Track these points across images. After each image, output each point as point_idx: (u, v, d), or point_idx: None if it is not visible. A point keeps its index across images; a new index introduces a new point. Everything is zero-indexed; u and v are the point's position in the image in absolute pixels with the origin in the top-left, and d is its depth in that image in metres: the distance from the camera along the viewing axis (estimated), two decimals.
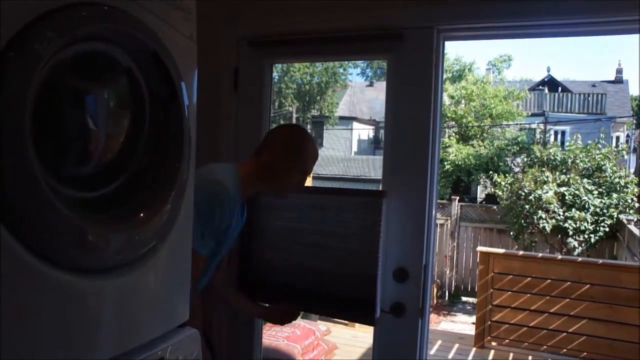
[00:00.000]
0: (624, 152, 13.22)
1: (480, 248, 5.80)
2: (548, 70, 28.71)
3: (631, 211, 9.89)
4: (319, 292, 2.44)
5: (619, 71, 26.89)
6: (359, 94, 28.10)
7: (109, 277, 1.17)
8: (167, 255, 1.38)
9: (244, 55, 2.56)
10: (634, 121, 26.32)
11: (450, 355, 5.01)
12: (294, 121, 22.84)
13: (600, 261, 6.23)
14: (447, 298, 10.99)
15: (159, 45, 1.27)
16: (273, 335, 4.02)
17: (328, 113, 25.30)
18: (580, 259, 6.02)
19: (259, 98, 2.57)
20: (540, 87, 25.12)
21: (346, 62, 27.34)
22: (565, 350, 4.94)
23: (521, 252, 6.79)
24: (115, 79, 1.26)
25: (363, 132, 24.94)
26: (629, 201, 9.88)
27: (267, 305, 2.48)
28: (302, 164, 2.02)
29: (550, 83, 25.68)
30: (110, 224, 1.18)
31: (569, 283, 4.92)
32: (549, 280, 4.98)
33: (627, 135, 22.81)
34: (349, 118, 24.40)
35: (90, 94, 1.20)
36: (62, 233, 1.01)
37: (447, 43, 2.31)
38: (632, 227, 8.87)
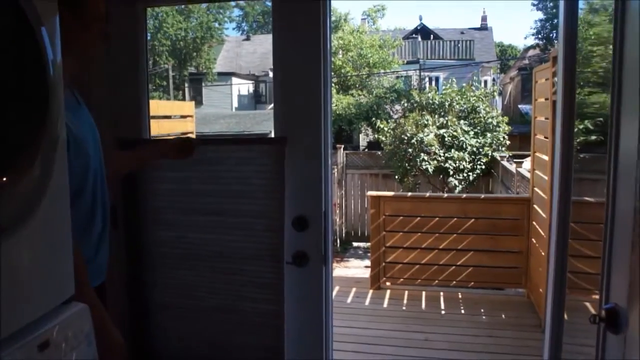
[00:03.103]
0: (495, 94, 13.99)
1: (370, 192, 5.90)
2: (420, 19, 29.75)
3: (503, 148, 10.52)
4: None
5: (484, 19, 28.33)
6: (237, 49, 27.57)
7: None
8: (41, 224, 1.21)
9: None
10: (499, 66, 27.97)
11: (349, 299, 5.11)
12: (170, 81, 22.04)
13: (483, 196, 6.61)
14: (338, 245, 11.23)
15: None
16: None
17: (206, 70, 24.60)
18: (464, 195, 6.33)
19: (133, 50, 2.33)
20: (414, 35, 25.91)
21: (221, 16, 26.64)
22: (454, 282, 5.19)
23: (410, 194, 7.02)
24: None
25: (243, 87, 24.55)
26: (501, 139, 10.50)
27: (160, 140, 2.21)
28: (92, 10, 1.68)
29: (423, 31, 26.55)
30: None
31: (455, 219, 5.14)
32: (437, 218, 5.17)
33: (494, 79, 24.17)
34: (228, 73, 23.85)
35: None
36: None
37: None
38: (505, 163, 9.45)
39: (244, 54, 27.05)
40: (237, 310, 2.31)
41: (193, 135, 7.65)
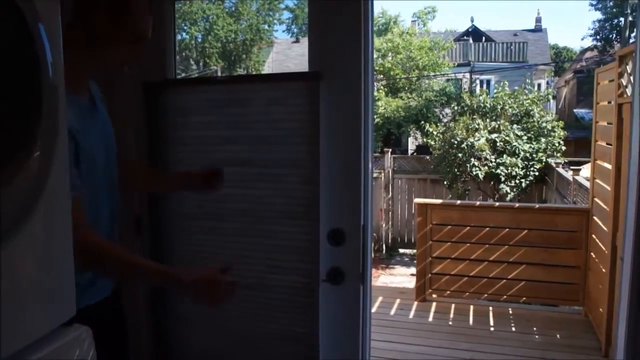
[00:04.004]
0: (550, 97, 13.46)
1: (417, 200, 5.65)
2: (472, 21, 29.13)
3: (558, 154, 10.08)
4: None
5: (538, 20, 27.57)
6: (286, 51, 27.58)
7: None
8: (39, 229, 1.06)
9: None
10: (553, 69, 27.14)
11: (393, 312, 4.88)
12: None
13: (537, 206, 6.25)
14: (384, 251, 11.00)
15: None
16: None
17: (255, 71, 24.71)
18: (517, 205, 6.00)
19: (161, 45, 2.18)
20: (465, 37, 25.38)
21: (271, 18, 26.75)
22: (505, 296, 4.89)
23: (459, 202, 6.72)
24: None
25: None
26: (556, 145, 10.06)
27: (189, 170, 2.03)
28: (134, 24, 1.56)
29: (474, 33, 25.99)
30: None
31: (507, 230, 4.84)
32: (488, 228, 4.89)
33: (547, 83, 23.45)
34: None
35: None
36: None
37: None
38: (560, 169, 9.03)
39: (293, 56, 27.02)
40: (263, 285, 2.09)
41: None
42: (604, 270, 3.92)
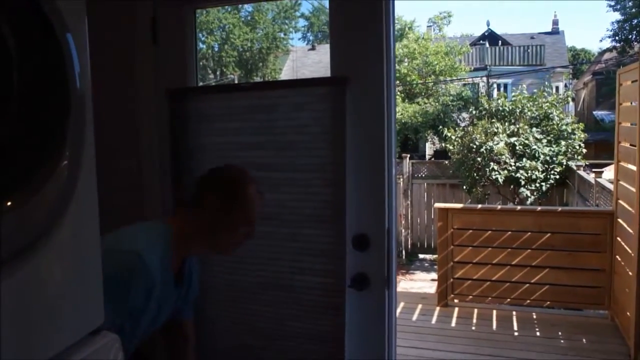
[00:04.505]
0: (569, 99, 13.34)
1: (437, 204, 5.61)
2: (488, 25, 29.01)
3: (579, 157, 9.97)
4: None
5: (555, 22, 27.35)
6: (303, 59, 27.64)
7: None
8: (69, 235, 1.06)
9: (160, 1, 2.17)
10: (571, 71, 26.88)
11: (415, 317, 4.84)
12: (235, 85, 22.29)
13: (560, 209, 6.19)
14: (404, 257, 10.95)
15: None
16: None
17: (271, 79, 24.79)
18: (539, 208, 5.92)
19: (181, 51, 2.19)
20: (481, 41, 25.27)
21: (286, 26, 26.84)
22: (529, 301, 4.83)
23: (480, 206, 6.67)
24: None
25: None
26: (577, 147, 9.96)
27: None
28: (249, 214, 1.64)
29: (491, 37, 25.85)
30: None
31: (529, 233, 4.79)
32: (510, 232, 4.83)
33: (565, 85, 23.22)
34: None
35: None
36: None
37: None
38: (581, 172, 8.93)
39: (310, 63, 27.08)
40: (289, 286, 2.08)
41: None
42: (630, 273, 3.85)
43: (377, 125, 1.93)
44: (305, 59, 27.39)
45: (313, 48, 29.13)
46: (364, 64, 1.92)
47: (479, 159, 9.81)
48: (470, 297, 4.97)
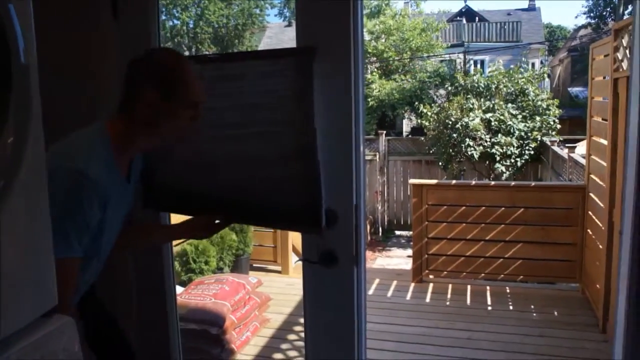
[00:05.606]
0: (545, 75, 13.40)
1: (412, 180, 5.61)
2: (465, 1, 28.79)
3: (553, 133, 10.05)
4: (242, 197, 1.94)
5: None
6: (279, 35, 27.38)
7: None
8: (17, 212, 1.01)
9: None
10: (547, 48, 27.02)
11: (390, 293, 4.85)
12: None
13: (533, 184, 6.22)
14: (380, 234, 11.00)
15: None
16: (199, 295, 3.67)
17: None
18: (513, 183, 5.93)
19: (145, 25, 2.11)
20: (458, 18, 25.24)
21: (262, 2, 26.49)
22: (502, 275, 4.87)
23: (454, 182, 6.68)
24: None
25: None
26: (551, 123, 10.03)
27: (187, 219, 1.96)
28: (189, 96, 1.55)
29: (468, 13, 25.83)
30: None
31: (503, 209, 4.81)
32: (484, 208, 4.85)
33: (541, 62, 23.34)
34: None
35: None
36: None
37: None
38: (555, 148, 9.00)
39: (286, 40, 26.80)
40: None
41: None
42: (600, 246, 3.89)
43: (345, 98, 1.88)
44: (282, 36, 27.12)
45: (289, 24, 28.82)
46: (331, 35, 1.87)
47: (454, 135, 9.83)
48: (445, 272, 4.99)
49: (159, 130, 1.56)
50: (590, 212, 4.36)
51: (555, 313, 4.28)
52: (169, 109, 1.53)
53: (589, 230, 4.38)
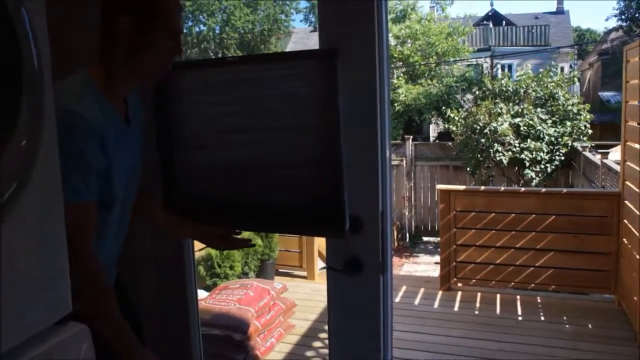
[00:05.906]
0: (575, 79, 13.14)
1: (439, 186, 5.49)
2: (491, 5, 28.53)
3: (585, 138, 9.83)
4: (262, 203, 1.88)
5: (560, 2, 27.04)
6: (305, 40, 27.45)
7: None
8: (31, 214, 0.98)
9: None
10: (576, 51, 26.58)
11: (417, 301, 4.75)
12: None
13: (565, 190, 6.06)
14: (407, 240, 10.88)
15: None
16: (224, 300, 3.63)
17: None
18: (543, 189, 5.78)
19: None
20: (485, 22, 24.98)
21: (288, 7, 26.58)
22: (533, 285, 4.73)
23: (483, 188, 6.55)
24: None
25: None
26: (582, 128, 9.81)
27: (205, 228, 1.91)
28: (167, 24, 1.46)
29: (495, 17, 25.54)
30: None
31: (533, 216, 4.68)
32: (513, 215, 4.72)
33: (570, 66, 22.98)
34: None
35: None
36: None
37: None
38: (587, 153, 8.80)
39: (312, 44, 26.85)
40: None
41: None
42: (637, 256, 3.75)
43: (370, 102, 1.82)
44: (308, 41, 27.18)
45: (315, 29, 28.88)
46: (355, 39, 1.81)
47: (482, 140, 9.67)
48: (474, 280, 4.88)
49: (140, 64, 1.48)
50: (625, 220, 4.21)
51: (590, 325, 4.13)
52: (146, 40, 1.44)
53: (624, 239, 4.24)
